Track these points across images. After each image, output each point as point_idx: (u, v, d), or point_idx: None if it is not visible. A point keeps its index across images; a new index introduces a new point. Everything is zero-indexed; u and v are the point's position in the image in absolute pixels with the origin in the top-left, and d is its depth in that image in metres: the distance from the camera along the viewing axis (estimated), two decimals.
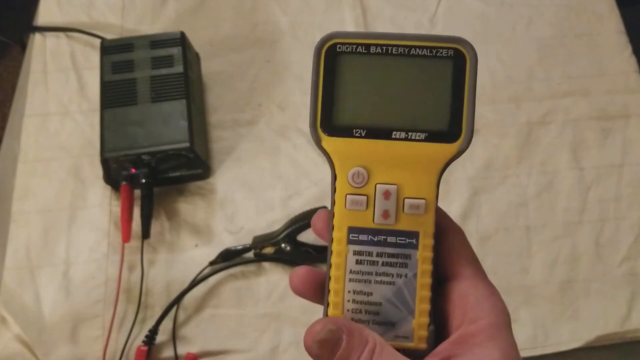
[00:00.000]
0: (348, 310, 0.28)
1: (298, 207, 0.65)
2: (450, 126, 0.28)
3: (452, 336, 0.26)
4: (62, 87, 0.73)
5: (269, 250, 0.62)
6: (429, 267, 0.28)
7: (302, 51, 0.75)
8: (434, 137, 0.28)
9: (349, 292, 0.28)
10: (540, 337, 0.60)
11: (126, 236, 0.62)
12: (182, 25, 0.75)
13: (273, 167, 0.68)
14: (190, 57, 0.69)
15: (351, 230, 0.28)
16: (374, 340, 0.25)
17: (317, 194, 0.66)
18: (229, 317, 0.61)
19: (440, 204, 0.63)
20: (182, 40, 0.68)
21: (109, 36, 0.74)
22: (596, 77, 0.73)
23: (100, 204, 0.66)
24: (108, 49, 0.68)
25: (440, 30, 0.77)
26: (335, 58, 0.28)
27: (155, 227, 0.65)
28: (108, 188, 0.67)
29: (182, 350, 0.60)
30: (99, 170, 0.65)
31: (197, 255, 0.64)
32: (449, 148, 0.28)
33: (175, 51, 0.67)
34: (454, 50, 0.28)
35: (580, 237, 0.64)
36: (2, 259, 0.64)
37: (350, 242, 0.28)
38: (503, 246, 0.64)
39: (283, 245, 0.62)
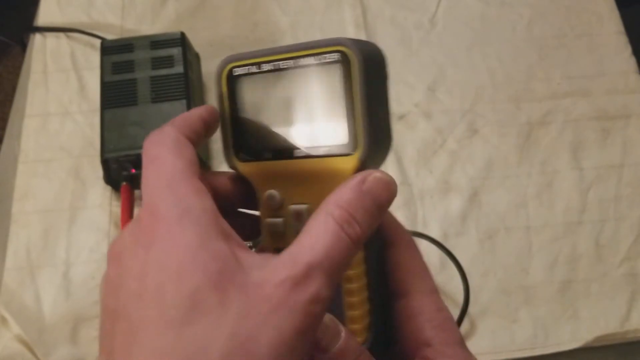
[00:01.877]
0: None
1: None
2: (349, 137, 0.25)
3: None
4: (62, 87, 0.73)
5: None
6: (351, 285, 0.26)
7: None
8: (333, 151, 0.25)
9: None
10: (540, 338, 0.60)
11: None
12: (182, 25, 0.75)
13: None
14: (190, 58, 0.69)
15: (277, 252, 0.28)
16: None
17: None
18: None
19: (441, 205, 0.63)
20: (182, 40, 0.68)
21: (109, 36, 0.74)
22: (596, 78, 0.73)
23: (100, 204, 0.66)
24: (108, 49, 0.68)
25: (440, 30, 0.77)
26: (234, 82, 0.28)
27: None
28: (108, 188, 0.67)
29: None
30: (99, 171, 0.65)
31: None
32: (349, 161, 0.25)
33: (175, 51, 0.67)
34: (339, 53, 0.25)
35: (580, 237, 0.64)
36: (2, 260, 0.64)
37: None
38: (503, 246, 0.64)
39: None
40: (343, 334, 0.23)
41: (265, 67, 0.27)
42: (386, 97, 0.26)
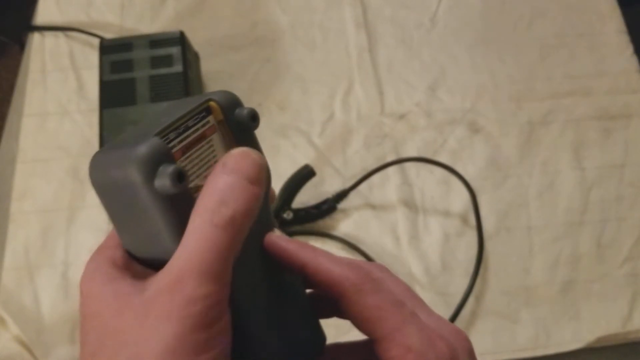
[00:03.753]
0: None
1: (301, 204, 0.65)
2: None
3: None
4: (60, 86, 0.73)
5: None
6: None
7: (302, 51, 0.75)
8: None
9: None
10: (542, 338, 0.60)
11: None
12: (181, 24, 0.75)
13: (273, 167, 0.67)
14: (189, 57, 0.69)
15: None
16: None
17: (317, 193, 0.66)
18: None
19: (442, 205, 0.63)
20: (181, 39, 0.67)
21: (108, 35, 0.73)
22: (597, 77, 0.73)
23: (99, 204, 0.66)
24: (107, 48, 0.67)
25: (441, 29, 0.76)
26: None
27: None
28: None
29: None
30: None
31: None
32: None
33: (175, 51, 0.67)
34: None
35: (582, 237, 0.64)
36: (1, 260, 0.64)
37: None
38: (504, 247, 0.64)
39: (285, 215, 0.63)
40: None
41: None
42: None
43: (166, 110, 0.25)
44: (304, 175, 0.64)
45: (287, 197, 0.63)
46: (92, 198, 0.66)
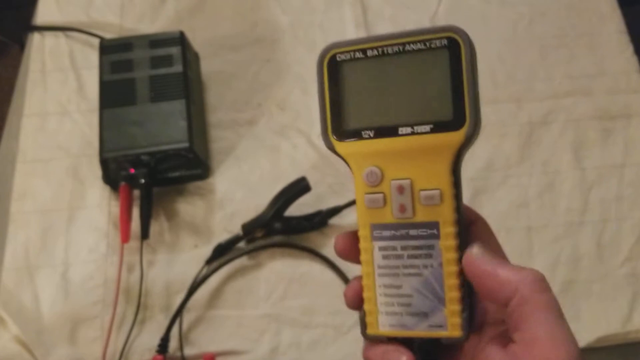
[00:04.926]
0: (381, 303, 0.29)
1: (296, 207, 0.65)
2: (455, 114, 0.27)
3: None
4: (60, 86, 0.73)
5: (259, 233, 0.63)
6: (453, 255, 0.28)
7: (302, 51, 0.75)
8: (439, 127, 0.28)
9: (380, 286, 0.29)
10: None
11: (125, 237, 0.62)
12: (181, 24, 0.75)
13: (273, 167, 0.68)
14: (189, 57, 0.69)
15: (374, 227, 0.29)
16: None
17: (317, 193, 0.66)
18: (229, 318, 0.61)
19: None
20: (181, 39, 0.67)
21: (108, 35, 0.73)
22: (597, 77, 0.73)
23: (99, 204, 0.66)
24: (107, 48, 0.67)
25: None
26: (336, 67, 0.30)
27: (154, 227, 0.64)
28: (107, 188, 0.66)
29: (184, 352, 0.60)
30: (97, 171, 0.64)
31: (196, 255, 0.63)
32: (456, 136, 0.28)
33: (175, 51, 0.67)
34: (448, 39, 0.28)
35: (582, 237, 0.64)
36: (1, 260, 0.64)
37: (374, 238, 0.29)
38: (504, 247, 0.63)
39: (275, 225, 0.62)
40: None
41: (371, 52, 0.29)
42: (477, 78, 0.28)
43: None
44: (300, 189, 0.63)
45: (280, 207, 0.62)
46: (92, 198, 0.66)
